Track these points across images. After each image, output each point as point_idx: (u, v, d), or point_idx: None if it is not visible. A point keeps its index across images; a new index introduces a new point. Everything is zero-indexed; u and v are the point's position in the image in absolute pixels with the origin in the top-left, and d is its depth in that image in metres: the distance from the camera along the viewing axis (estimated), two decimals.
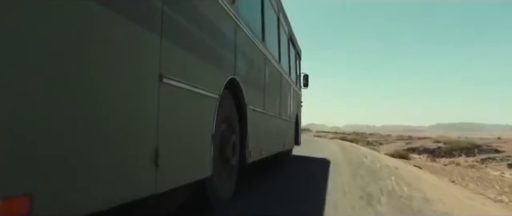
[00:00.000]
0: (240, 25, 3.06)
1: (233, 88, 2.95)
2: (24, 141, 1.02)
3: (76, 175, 1.21)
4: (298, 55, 8.10)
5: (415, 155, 19.92)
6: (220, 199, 2.77)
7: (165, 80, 1.72)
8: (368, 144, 27.17)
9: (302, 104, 8.70)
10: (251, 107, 3.43)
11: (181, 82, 1.92)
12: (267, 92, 4.26)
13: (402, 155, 16.13)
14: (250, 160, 3.41)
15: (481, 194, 5.72)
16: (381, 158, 9.46)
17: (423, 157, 20.25)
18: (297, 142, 7.58)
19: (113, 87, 1.39)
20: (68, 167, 1.17)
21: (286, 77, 6.03)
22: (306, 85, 8.94)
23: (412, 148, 24.19)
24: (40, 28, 1.06)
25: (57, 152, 1.13)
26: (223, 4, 2.61)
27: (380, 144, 29.13)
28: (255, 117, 3.59)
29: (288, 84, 6.29)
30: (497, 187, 7.14)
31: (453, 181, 7.42)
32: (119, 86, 1.42)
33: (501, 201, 5.25)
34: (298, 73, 8.21)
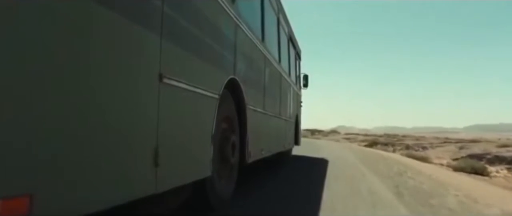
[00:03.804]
0: (240, 25, 3.06)
1: (233, 88, 2.95)
2: (24, 141, 1.02)
3: (76, 175, 1.21)
4: (298, 56, 8.11)
5: (490, 168, 12.95)
6: (220, 199, 2.77)
7: (165, 80, 1.72)
8: (407, 148, 20.92)
9: (302, 104, 8.71)
10: (251, 107, 3.43)
11: (181, 82, 1.92)
12: (267, 92, 4.26)
13: (475, 169, 10.34)
14: (250, 160, 3.41)
15: None
16: None
17: (503, 169, 13.29)
18: (297, 142, 7.59)
19: (113, 87, 1.39)
20: (68, 167, 1.17)
21: (286, 77, 6.04)
22: (306, 85, 8.95)
23: (473, 155, 16.59)
24: (40, 28, 1.06)
25: (57, 152, 1.13)
26: (223, 4, 2.62)
27: (424, 148, 21.94)
28: (255, 117, 3.59)
29: (288, 84, 6.29)
30: None
31: None
32: (119, 86, 1.42)
33: None
34: (298, 73, 8.22)
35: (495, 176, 10.67)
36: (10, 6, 0.98)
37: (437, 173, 7.35)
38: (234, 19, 2.90)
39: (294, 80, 7.30)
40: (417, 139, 33.02)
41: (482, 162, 13.56)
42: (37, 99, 1.06)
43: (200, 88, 2.20)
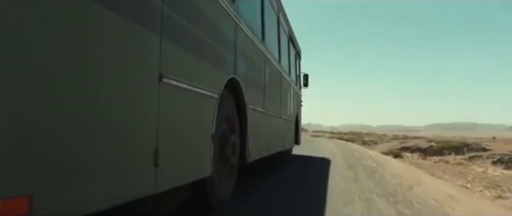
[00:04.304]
0: (240, 25, 3.06)
1: (233, 88, 2.95)
2: (24, 141, 1.02)
3: (76, 175, 1.21)
4: (298, 55, 8.10)
5: (408, 154, 20.89)
6: (220, 199, 2.77)
7: (165, 80, 1.71)
8: (364, 143, 27.73)
9: (302, 103, 8.70)
10: (251, 107, 3.43)
11: (181, 82, 1.92)
12: (267, 92, 4.26)
13: (395, 154, 17.10)
14: (250, 159, 3.41)
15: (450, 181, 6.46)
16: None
17: (415, 155, 21.23)
18: (297, 141, 7.57)
19: (113, 87, 1.39)
20: (68, 167, 1.17)
21: (286, 76, 6.03)
22: (306, 84, 8.93)
23: (406, 147, 24.95)
24: (40, 28, 1.06)
25: (57, 152, 1.13)
26: (223, 4, 2.61)
27: (375, 143, 29.81)
28: (255, 117, 3.59)
29: (288, 84, 6.29)
30: (469, 178, 7.59)
31: (432, 174, 7.77)
32: (119, 86, 1.42)
33: (466, 187, 5.75)
34: (298, 72, 8.21)
35: (406, 157, 17.54)
36: (10, 6, 0.98)
37: (366, 150, 13.32)
38: (234, 18, 2.90)
39: (294, 80, 7.29)
40: (379, 136, 40.26)
41: (407, 151, 22.57)
42: (36, 99, 1.06)
43: (200, 88, 2.19)
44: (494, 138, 33.96)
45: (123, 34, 1.44)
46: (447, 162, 17.33)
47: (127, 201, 1.47)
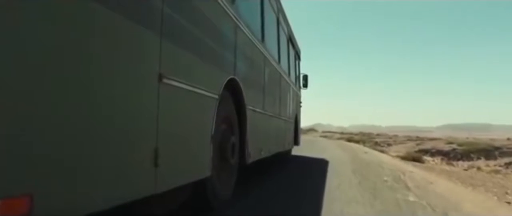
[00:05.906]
0: (240, 25, 3.06)
1: (232, 89, 2.95)
2: (25, 141, 1.02)
3: (76, 175, 1.21)
4: (297, 56, 8.10)
5: (428, 158, 17.79)
6: (220, 199, 2.77)
7: (165, 80, 1.72)
8: (376, 145, 25.18)
9: (301, 104, 8.70)
10: (251, 108, 3.43)
11: (181, 82, 1.92)
12: (266, 93, 4.26)
13: (414, 158, 13.86)
14: (249, 160, 3.41)
15: None
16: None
17: (437, 160, 18.44)
18: (296, 142, 7.58)
19: (113, 87, 1.39)
20: (68, 167, 1.17)
21: (286, 77, 6.04)
22: (305, 85, 8.94)
23: (424, 149, 22.14)
24: (40, 28, 1.06)
25: (57, 152, 1.13)
26: (222, 5, 2.62)
27: (389, 145, 27.01)
28: (254, 118, 3.59)
29: (288, 85, 6.29)
30: None
31: (508, 203, 4.48)
32: (119, 86, 1.42)
33: None
34: (297, 73, 8.21)
35: (428, 162, 14.93)
36: (10, 6, 0.98)
37: (379, 155, 11.77)
38: (234, 19, 2.90)
39: (293, 80, 7.29)
40: (390, 137, 36.81)
41: (427, 154, 19.46)
42: (37, 99, 1.06)
43: (200, 88, 2.20)
44: (509, 139, 32.32)
45: (123, 34, 1.44)
46: (479, 169, 14.57)
47: (127, 201, 1.47)
